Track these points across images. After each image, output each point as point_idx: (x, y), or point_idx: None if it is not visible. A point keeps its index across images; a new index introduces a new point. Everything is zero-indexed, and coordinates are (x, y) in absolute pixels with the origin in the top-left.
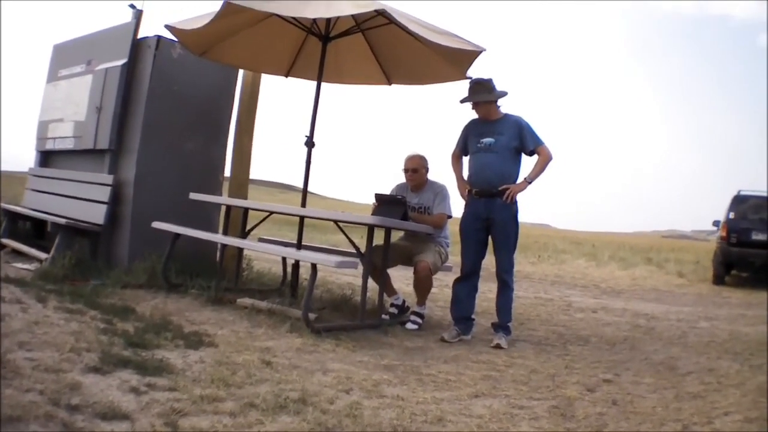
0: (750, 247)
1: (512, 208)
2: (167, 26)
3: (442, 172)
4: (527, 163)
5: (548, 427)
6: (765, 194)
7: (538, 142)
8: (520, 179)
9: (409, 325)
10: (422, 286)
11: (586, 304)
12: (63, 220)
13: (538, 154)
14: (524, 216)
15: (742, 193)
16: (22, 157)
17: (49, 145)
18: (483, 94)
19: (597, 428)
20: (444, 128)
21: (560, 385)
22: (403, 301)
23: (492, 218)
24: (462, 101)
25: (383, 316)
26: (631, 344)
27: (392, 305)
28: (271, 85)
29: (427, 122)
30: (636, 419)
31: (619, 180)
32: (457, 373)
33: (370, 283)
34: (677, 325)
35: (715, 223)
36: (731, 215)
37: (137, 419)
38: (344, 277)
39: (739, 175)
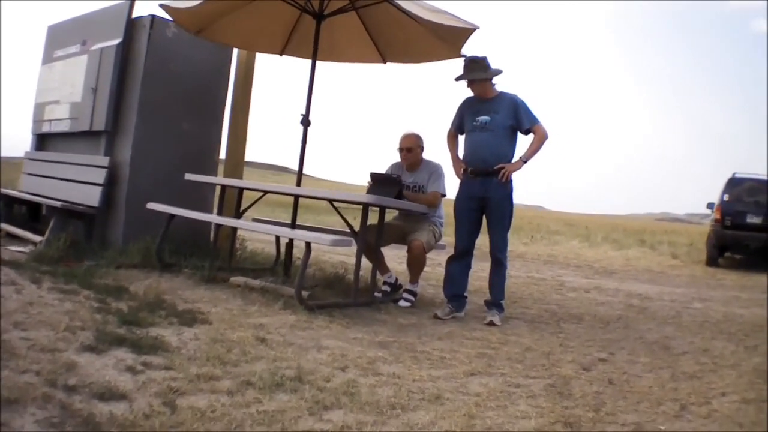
0: (744, 230)
1: (507, 187)
2: (162, 5)
3: (437, 151)
4: (522, 141)
5: (546, 405)
6: (760, 177)
7: (533, 120)
8: (515, 158)
9: (402, 303)
10: (416, 264)
11: (579, 284)
12: (58, 203)
13: (534, 133)
14: (517, 197)
15: (737, 175)
16: (19, 142)
17: (45, 128)
18: (478, 71)
19: (594, 407)
20: (439, 107)
21: (555, 364)
22: (396, 279)
23: (487, 197)
24: (457, 79)
25: (376, 294)
26: (624, 323)
27: (385, 283)
28: (266, 63)
29: (422, 101)
30: (633, 398)
31: (612, 162)
32: (452, 351)
33: (363, 261)
34: (671, 305)
35: (709, 206)
36: (726, 198)
37: (135, 399)
38: (337, 256)
39: (733, 159)
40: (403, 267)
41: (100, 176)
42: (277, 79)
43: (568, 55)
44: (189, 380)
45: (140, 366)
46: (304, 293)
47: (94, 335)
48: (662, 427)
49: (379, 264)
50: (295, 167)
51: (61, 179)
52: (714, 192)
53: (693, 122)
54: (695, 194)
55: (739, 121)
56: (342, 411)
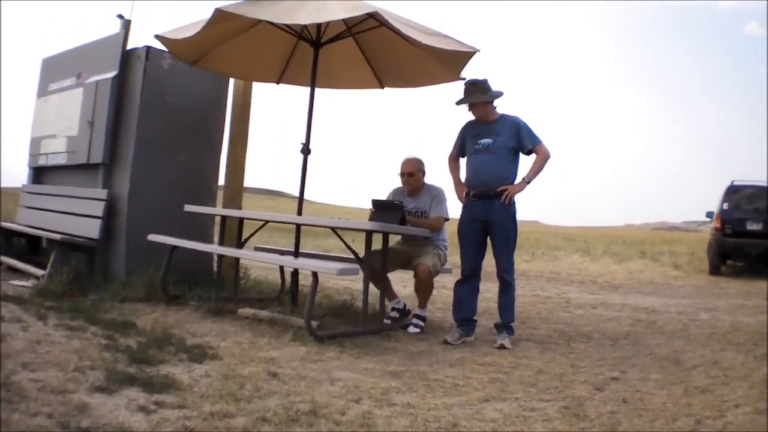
0: (745, 237)
1: (511, 208)
2: (157, 36)
3: (438, 175)
4: (524, 161)
5: (562, 428)
6: (758, 184)
7: (535, 141)
8: (517, 179)
9: (411, 329)
10: (423, 288)
11: (585, 300)
12: (58, 236)
13: (536, 153)
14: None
15: (736, 183)
16: (16, 173)
17: (42, 161)
18: (478, 94)
19: (611, 427)
20: (440, 130)
21: (568, 385)
22: (404, 305)
23: (491, 220)
24: (458, 103)
25: (385, 320)
26: (634, 339)
27: (393, 309)
28: (262, 90)
29: (422, 124)
30: (648, 416)
31: (606, 173)
32: (464, 377)
33: (371, 288)
34: (678, 317)
35: (709, 215)
36: (725, 206)
37: None
38: (342, 282)
39: (728, 165)
40: (409, 291)
41: (98, 209)
42: (272, 103)
43: (559, 65)
44: (203, 419)
45: (153, 405)
46: (314, 323)
47: (104, 375)
48: None
49: (386, 290)
50: (290, 191)
51: (60, 212)
52: (710, 199)
53: (686, 129)
54: (691, 201)
55: (734, 126)
56: None
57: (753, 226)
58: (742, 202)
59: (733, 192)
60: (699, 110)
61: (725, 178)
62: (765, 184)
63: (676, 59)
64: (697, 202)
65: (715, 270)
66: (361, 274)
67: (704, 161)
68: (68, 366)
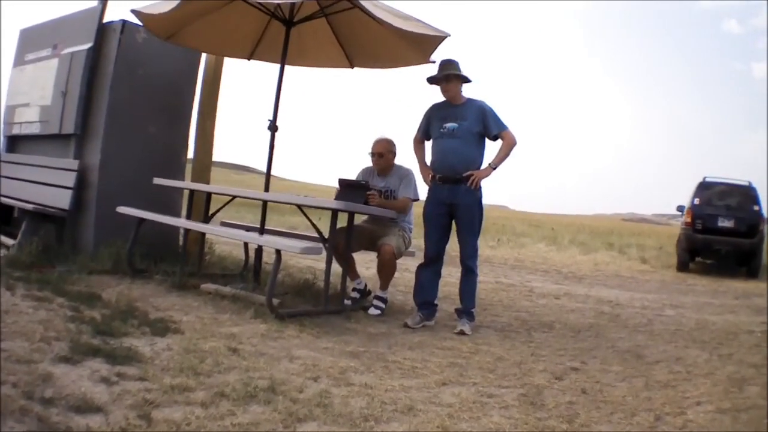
0: (715, 234)
1: (477, 193)
2: (133, 11)
3: (407, 157)
4: (490, 146)
5: (519, 416)
6: (731, 181)
7: (501, 127)
8: (484, 164)
9: (372, 310)
10: (386, 270)
11: (549, 290)
12: (30, 206)
13: (502, 139)
14: (483, 198)
15: (708, 179)
16: None
17: (16, 130)
18: (454, 70)
19: (568, 418)
20: (409, 111)
21: (527, 373)
22: (365, 285)
23: (456, 204)
24: (431, 78)
25: (345, 301)
26: (596, 331)
27: (354, 289)
28: (234, 67)
29: (392, 105)
30: (607, 408)
31: (577, 162)
32: (423, 360)
33: (333, 268)
34: (642, 312)
35: (680, 209)
36: (696, 201)
37: (111, 411)
38: (305, 260)
39: (700, 159)
40: (371, 272)
41: (70, 179)
42: (242, 80)
43: (533, 55)
44: (163, 392)
45: (115, 377)
46: (275, 301)
47: (68, 346)
48: None
49: (349, 269)
50: (259, 166)
51: (32, 182)
52: (681, 192)
53: (660, 122)
54: (662, 195)
55: (709, 122)
56: (316, 423)
57: (724, 223)
58: (714, 199)
59: (705, 188)
60: (676, 105)
61: (698, 172)
62: (737, 181)
63: (654, 54)
64: (669, 195)
65: (683, 266)
66: (324, 254)
67: (677, 154)
68: (34, 336)
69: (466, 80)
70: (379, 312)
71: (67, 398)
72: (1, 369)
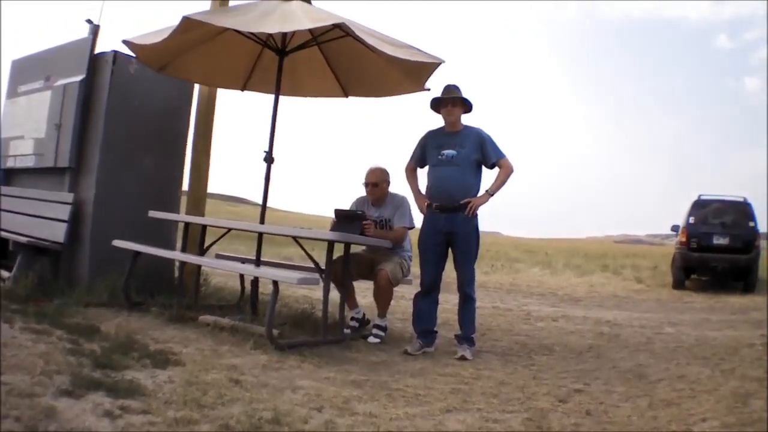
0: (711, 252)
1: (474, 221)
2: (125, 41)
3: (401, 184)
4: (486, 174)
5: None
6: (725, 198)
7: (500, 155)
8: (480, 191)
9: (372, 339)
10: (382, 296)
11: (546, 313)
12: (24, 239)
13: (500, 167)
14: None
15: (703, 197)
16: None
17: (11, 163)
18: (459, 95)
19: None
20: (403, 140)
21: (531, 397)
22: (363, 315)
23: (454, 232)
24: (436, 99)
25: (345, 330)
26: (596, 352)
27: (353, 319)
28: (227, 97)
29: (386, 134)
30: (612, 429)
31: (568, 185)
32: (426, 387)
33: (330, 297)
34: (641, 331)
35: (674, 228)
36: (691, 220)
37: None
38: (300, 291)
39: (692, 177)
40: (368, 300)
41: (64, 213)
42: (235, 111)
43: (519, 76)
44: (168, 425)
45: (118, 410)
46: (274, 332)
47: (69, 379)
48: None
49: (348, 298)
50: (252, 197)
51: (27, 215)
52: (675, 211)
53: (651, 141)
54: (655, 215)
55: (700, 139)
56: None
57: (719, 241)
58: (709, 216)
59: (700, 206)
60: (667, 123)
61: (690, 192)
62: (732, 198)
63: (645, 72)
64: (660, 215)
65: (678, 284)
66: (321, 284)
67: (671, 174)
68: (35, 370)
69: (469, 108)
70: (378, 340)
71: None
72: (4, 403)
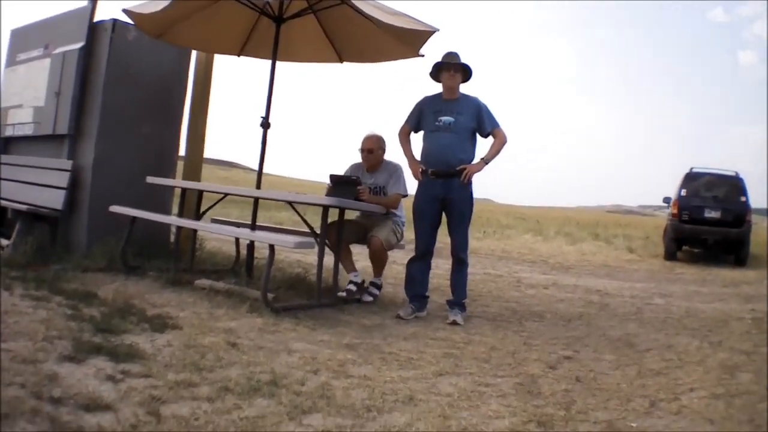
0: (702, 225)
1: (469, 187)
2: (125, 11)
3: (397, 152)
4: (481, 142)
5: (517, 404)
6: (717, 172)
7: (494, 124)
8: (475, 159)
9: (366, 297)
10: (377, 260)
11: (537, 280)
12: (23, 206)
13: (494, 137)
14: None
15: (695, 170)
16: None
17: (9, 132)
18: (458, 61)
19: (565, 405)
20: (398, 106)
21: (521, 363)
22: (363, 281)
23: (449, 198)
24: (438, 64)
25: (340, 293)
26: (586, 320)
27: (351, 282)
28: (224, 64)
29: (380, 100)
30: (602, 395)
31: (561, 154)
32: (418, 351)
33: (325, 261)
34: (631, 301)
35: (666, 200)
36: (683, 192)
37: (120, 409)
38: (294, 255)
39: (684, 150)
40: (361, 264)
41: (63, 179)
42: (229, 77)
43: (515, 45)
44: (169, 388)
45: (120, 375)
46: (269, 296)
47: (71, 344)
48: (633, 425)
49: (345, 262)
50: (244, 162)
51: (26, 183)
52: (667, 183)
53: (643, 113)
54: (648, 186)
55: (693, 112)
56: (320, 415)
57: (711, 214)
58: (701, 189)
59: (692, 179)
60: (661, 95)
61: (682, 164)
62: (724, 172)
63: (638, 44)
64: (653, 187)
65: (670, 255)
66: (315, 248)
67: (664, 146)
68: (36, 336)
69: (469, 76)
70: (371, 299)
71: (75, 397)
72: (8, 369)
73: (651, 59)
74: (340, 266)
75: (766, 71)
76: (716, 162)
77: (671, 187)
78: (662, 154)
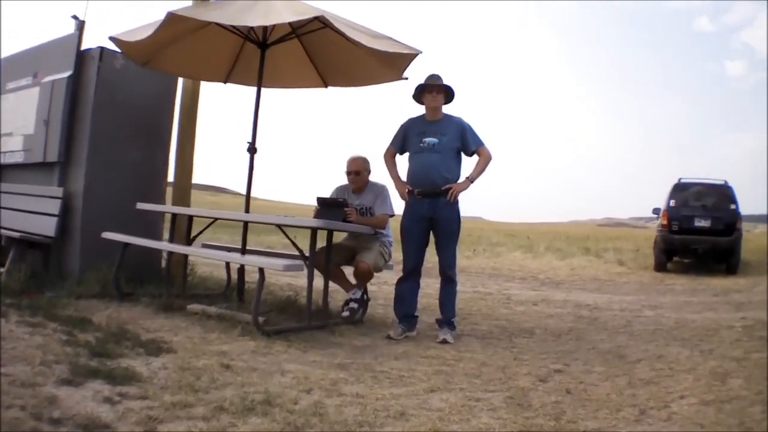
0: (693, 234)
1: (455, 206)
2: (111, 38)
3: (382, 173)
4: (466, 160)
5: (507, 416)
6: (706, 181)
7: (479, 143)
8: (461, 178)
9: (344, 314)
10: (362, 278)
11: (527, 297)
12: (16, 234)
13: (479, 155)
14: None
15: (683, 180)
16: None
17: (1, 159)
18: (441, 83)
19: (555, 416)
20: (382, 128)
21: (512, 377)
22: (362, 294)
23: (436, 217)
24: (421, 86)
25: (343, 313)
26: (576, 335)
27: (351, 300)
28: (210, 90)
29: (365, 123)
30: (592, 406)
31: (550, 169)
32: (409, 369)
33: (315, 284)
34: (621, 314)
35: (655, 211)
36: (672, 203)
37: (118, 428)
38: (284, 278)
39: (674, 161)
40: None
41: (54, 207)
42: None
43: (505, 60)
44: (165, 408)
45: (117, 396)
46: (260, 319)
47: (68, 368)
48: None
49: (341, 283)
50: (233, 187)
51: (18, 210)
52: (657, 194)
53: (632, 125)
54: (639, 198)
55: (682, 122)
56: (314, 431)
57: (701, 223)
58: (690, 199)
59: (680, 189)
60: (648, 106)
61: (672, 174)
62: (713, 181)
63: (625, 55)
64: (645, 198)
65: (660, 267)
66: (305, 271)
67: (654, 157)
68: (34, 360)
69: (451, 98)
70: (348, 314)
71: (74, 418)
72: (8, 393)
73: (640, 72)
74: (339, 287)
75: (754, 80)
76: (707, 172)
77: (662, 198)
78: (653, 165)
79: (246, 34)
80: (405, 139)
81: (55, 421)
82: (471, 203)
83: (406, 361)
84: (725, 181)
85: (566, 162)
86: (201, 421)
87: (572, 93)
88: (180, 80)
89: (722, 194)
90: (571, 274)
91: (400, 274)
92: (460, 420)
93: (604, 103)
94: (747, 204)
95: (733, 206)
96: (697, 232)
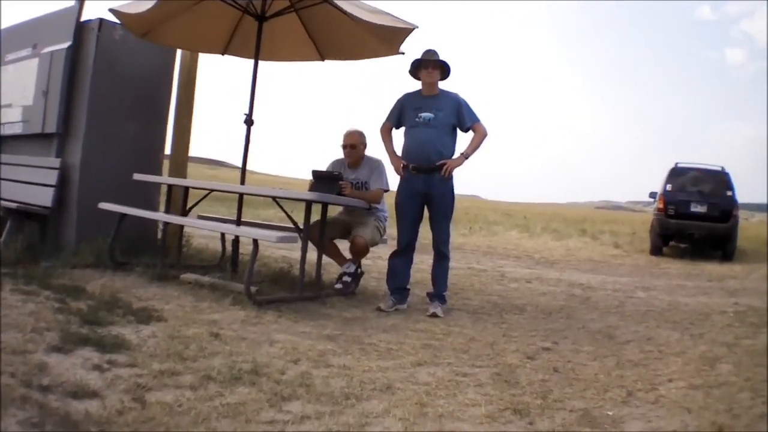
0: (689, 219)
1: (450, 182)
2: (111, 10)
3: (378, 147)
4: (461, 137)
5: (494, 393)
6: (703, 166)
7: (474, 119)
8: (455, 154)
9: (337, 285)
10: (358, 253)
11: (520, 274)
12: (14, 204)
13: (474, 131)
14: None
15: (680, 165)
16: None
17: (1, 130)
18: (437, 58)
19: (542, 394)
20: (378, 103)
21: (500, 353)
22: (356, 268)
23: (430, 193)
24: (417, 61)
25: (336, 285)
26: (567, 313)
27: (345, 274)
28: (208, 64)
29: (361, 97)
30: (579, 386)
31: (550, 150)
32: (398, 342)
33: (308, 256)
34: (614, 294)
35: (652, 195)
36: (669, 187)
37: (106, 396)
38: (279, 251)
39: (674, 146)
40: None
41: (52, 177)
42: (214, 76)
43: (504, 43)
44: (153, 376)
45: (106, 364)
46: (253, 289)
47: (59, 336)
48: (609, 413)
49: (335, 257)
50: (231, 161)
51: (15, 181)
52: (655, 179)
53: (633, 110)
54: (637, 182)
55: (682, 109)
56: (299, 402)
57: (697, 209)
58: (687, 184)
59: (677, 174)
60: (649, 92)
61: (670, 159)
62: (710, 167)
63: (626, 42)
64: (644, 183)
65: (656, 251)
66: (299, 243)
67: (654, 142)
68: (26, 328)
69: (447, 74)
70: (341, 286)
71: (63, 385)
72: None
73: (640, 57)
74: (332, 260)
75: (754, 68)
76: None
77: (660, 183)
78: (652, 150)
79: (244, 6)
80: (401, 113)
81: (44, 388)
82: (469, 181)
83: (395, 334)
84: (722, 167)
85: (566, 146)
86: (188, 389)
87: (572, 76)
88: (178, 53)
89: (719, 180)
90: (566, 254)
91: (394, 248)
92: (447, 395)
93: (605, 89)
94: (746, 193)
95: (729, 193)
96: (694, 218)
